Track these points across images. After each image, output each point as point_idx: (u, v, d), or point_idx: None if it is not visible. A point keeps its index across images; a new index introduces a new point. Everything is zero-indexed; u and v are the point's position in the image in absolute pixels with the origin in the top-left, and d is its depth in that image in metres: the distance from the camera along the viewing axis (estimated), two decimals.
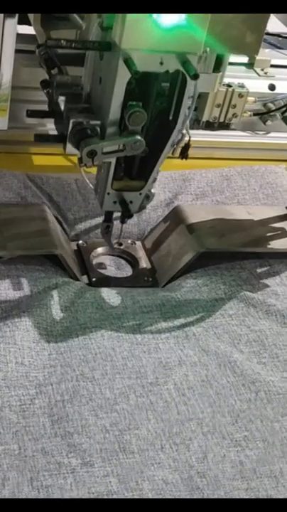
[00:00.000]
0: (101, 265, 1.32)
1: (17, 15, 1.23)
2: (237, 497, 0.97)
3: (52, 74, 1.17)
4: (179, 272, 1.29)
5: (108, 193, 1.18)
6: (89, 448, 0.99)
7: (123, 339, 1.15)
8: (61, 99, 1.14)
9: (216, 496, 0.96)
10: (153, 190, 1.20)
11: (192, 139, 1.18)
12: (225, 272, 1.30)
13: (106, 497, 0.94)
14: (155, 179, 1.20)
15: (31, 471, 0.95)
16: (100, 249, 1.34)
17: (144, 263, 1.34)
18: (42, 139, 1.18)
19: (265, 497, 0.98)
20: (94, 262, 1.31)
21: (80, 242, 1.34)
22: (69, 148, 1.10)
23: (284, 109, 1.55)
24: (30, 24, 1.40)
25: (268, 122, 1.58)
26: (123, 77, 1.03)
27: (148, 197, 1.20)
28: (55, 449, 0.98)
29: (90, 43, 1.07)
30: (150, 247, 1.36)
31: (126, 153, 1.10)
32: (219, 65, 1.24)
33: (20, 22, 1.43)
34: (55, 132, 1.17)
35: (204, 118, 1.46)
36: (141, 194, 1.19)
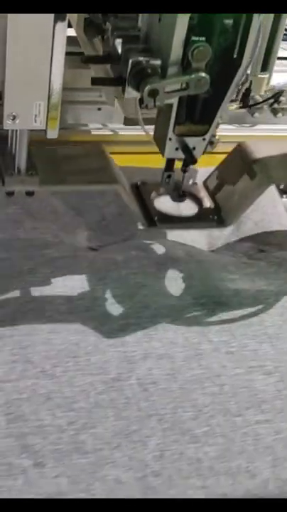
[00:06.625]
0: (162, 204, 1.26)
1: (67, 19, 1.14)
2: (191, 496, 0.94)
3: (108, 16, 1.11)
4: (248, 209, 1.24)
5: (170, 139, 1.10)
6: (42, 449, 0.95)
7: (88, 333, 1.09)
8: (118, 42, 1.07)
9: (168, 496, 0.93)
10: (217, 136, 1.14)
11: None
12: None
13: (55, 497, 0.91)
14: (219, 123, 1.12)
15: None
16: (162, 189, 1.27)
17: (208, 202, 1.29)
18: (99, 81, 1.12)
19: (220, 495, 0.94)
20: (155, 202, 1.26)
21: (139, 182, 1.28)
22: (129, 91, 1.03)
23: (272, 100, 1.43)
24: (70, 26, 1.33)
25: (256, 115, 1.46)
26: None
27: (212, 142, 1.13)
28: (7, 449, 0.94)
29: None
30: (213, 186, 1.31)
31: (190, 91, 1.02)
32: (266, 64, 1.19)
33: None
34: None
35: None
36: (204, 139, 1.11)
